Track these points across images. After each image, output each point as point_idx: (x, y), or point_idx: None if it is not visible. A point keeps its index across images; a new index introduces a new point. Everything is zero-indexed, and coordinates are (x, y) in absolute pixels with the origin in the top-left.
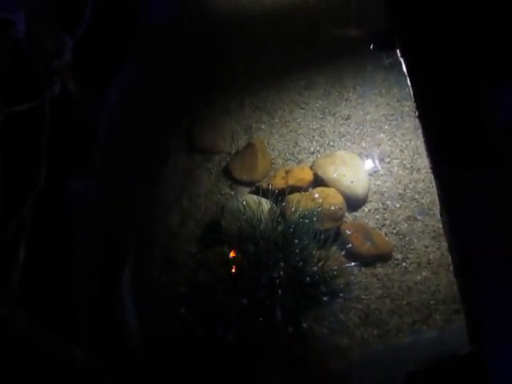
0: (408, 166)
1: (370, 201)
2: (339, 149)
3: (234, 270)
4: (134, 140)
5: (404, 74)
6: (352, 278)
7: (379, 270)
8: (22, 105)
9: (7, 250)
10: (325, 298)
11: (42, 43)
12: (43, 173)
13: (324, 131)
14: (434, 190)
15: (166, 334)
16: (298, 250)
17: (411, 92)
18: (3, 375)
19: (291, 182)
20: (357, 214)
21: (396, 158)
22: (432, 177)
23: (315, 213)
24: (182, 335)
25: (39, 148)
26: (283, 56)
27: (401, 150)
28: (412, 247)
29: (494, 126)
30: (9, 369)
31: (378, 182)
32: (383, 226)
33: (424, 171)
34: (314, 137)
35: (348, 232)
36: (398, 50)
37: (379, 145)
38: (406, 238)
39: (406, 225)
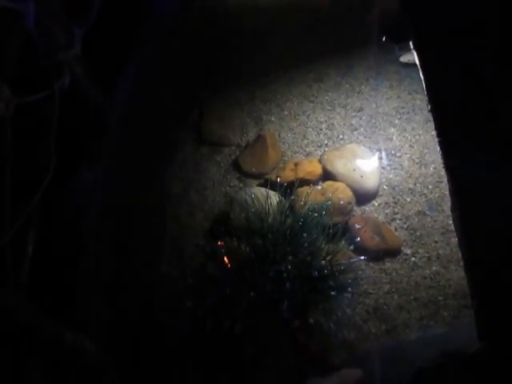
0: (417, 160)
1: (380, 195)
2: (350, 142)
3: (241, 263)
4: (142, 132)
5: (416, 66)
6: (360, 272)
7: (388, 264)
8: (32, 95)
9: (17, 241)
10: (332, 293)
11: (52, 34)
12: (53, 164)
13: (333, 124)
14: (443, 184)
15: (173, 326)
16: (306, 244)
17: (423, 85)
18: (15, 366)
19: (300, 175)
20: (366, 208)
21: (406, 153)
22: (442, 172)
23: (324, 206)
24: (190, 328)
25: (49, 139)
26: (293, 47)
27: (410, 145)
28: (422, 242)
29: (509, 121)
30: (20, 359)
31: (388, 176)
32: (393, 220)
33: (433, 166)
34: (322, 130)
35: (357, 226)
36: (410, 42)
37: (390, 138)
38: (416, 233)
39: (417, 219)
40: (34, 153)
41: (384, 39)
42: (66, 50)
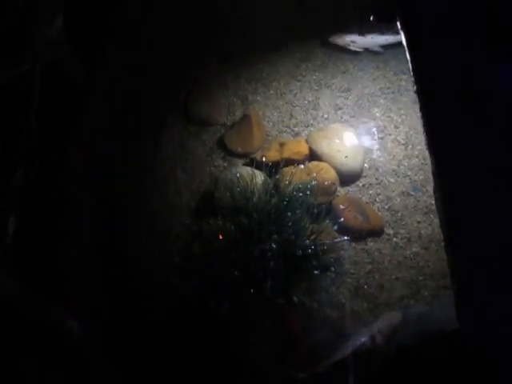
0: (402, 141)
1: (365, 176)
2: (335, 122)
3: (227, 242)
4: (129, 109)
5: (403, 47)
6: (343, 252)
7: (370, 244)
8: (11, 70)
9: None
10: (316, 272)
11: (33, 8)
12: (34, 141)
13: (319, 104)
14: (427, 166)
15: (158, 304)
16: (290, 224)
17: (410, 65)
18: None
19: (286, 154)
20: (350, 188)
21: (390, 134)
22: (427, 153)
23: (309, 186)
24: (175, 306)
25: (29, 115)
26: (281, 24)
27: (396, 126)
28: (404, 222)
29: (493, 104)
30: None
31: (373, 157)
32: (376, 201)
33: (419, 147)
34: (308, 109)
35: (341, 206)
36: (397, 22)
37: (375, 119)
38: (399, 214)
39: (399, 200)
40: (14, 130)
41: (372, 19)
42: (47, 24)
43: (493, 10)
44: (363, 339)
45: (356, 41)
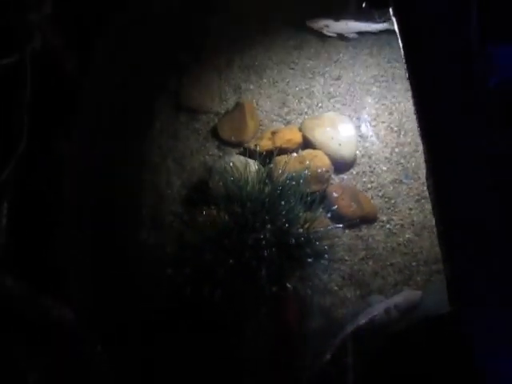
0: (395, 129)
1: (358, 163)
2: (329, 110)
3: (220, 231)
4: (119, 98)
5: (395, 34)
6: (337, 239)
7: (364, 231)
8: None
9: None
10: (309, 260)
11: None
12: (25, 133)
13: (313, 92)
14: (419, 153)
15: (153, 293)
16: (284, 212)
17: (402, 53)
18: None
19: (279, 143)
20: (344, 176)
21: (384, 121)
22: (418, 140)
23: (302, 175)
24: (169, 295)
25: (20, 107)
26: (274, 11)
27: (389, 113)
28: (397, 209)
29: (485, 87)
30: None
31: (366, 145)
32: (369, 188)
33: (411, 134)
34: (302, 98)
35: (335, 194)
36: (390, 9)
37: (368, 107)
38: (392, 201)
39: (392, 187)
40: (4, 122)
41: (364, 5)
42: (36, 12)
43: (491, 8)
44: (378, 311)
45: (330, 26)
